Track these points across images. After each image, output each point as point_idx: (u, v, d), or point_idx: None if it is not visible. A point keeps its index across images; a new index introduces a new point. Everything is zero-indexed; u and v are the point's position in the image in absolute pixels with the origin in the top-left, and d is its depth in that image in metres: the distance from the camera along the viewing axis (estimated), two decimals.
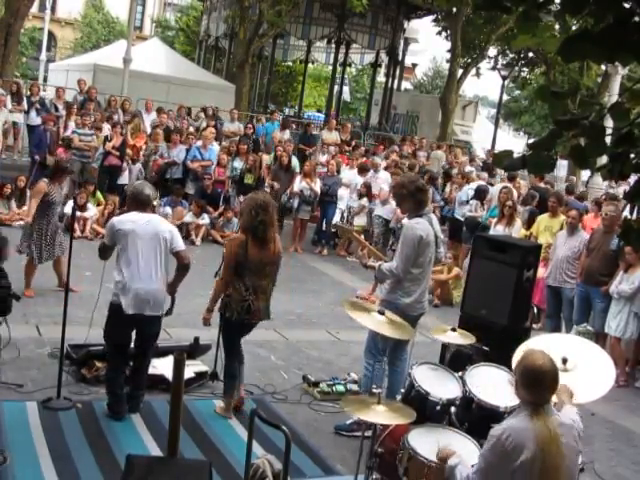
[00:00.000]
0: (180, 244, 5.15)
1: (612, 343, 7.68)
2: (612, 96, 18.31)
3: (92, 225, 10.70)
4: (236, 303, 5.13)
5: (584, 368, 3.83)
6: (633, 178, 2.59)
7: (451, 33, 23.46)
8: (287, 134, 15.68)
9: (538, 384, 2.99)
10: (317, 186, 12.07)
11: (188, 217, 11.37)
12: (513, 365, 3.18)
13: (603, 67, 21.39)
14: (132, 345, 5.24)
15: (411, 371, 4.49)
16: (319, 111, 35.45)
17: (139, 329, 5.12)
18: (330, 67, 27.94)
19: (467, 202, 11.54)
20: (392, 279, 5.30)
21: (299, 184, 12.04)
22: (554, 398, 3.19)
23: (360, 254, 5.69)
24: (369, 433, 4.12)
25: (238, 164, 12.55)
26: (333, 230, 11.58)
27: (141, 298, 4.93)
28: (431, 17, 25.27)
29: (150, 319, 5.03)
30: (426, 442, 3.85)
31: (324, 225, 12.25)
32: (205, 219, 11.52)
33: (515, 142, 31.91)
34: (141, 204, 5.09)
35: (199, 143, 12.45)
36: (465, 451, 3.82)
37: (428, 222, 5.34)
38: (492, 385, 4.29)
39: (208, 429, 5.16)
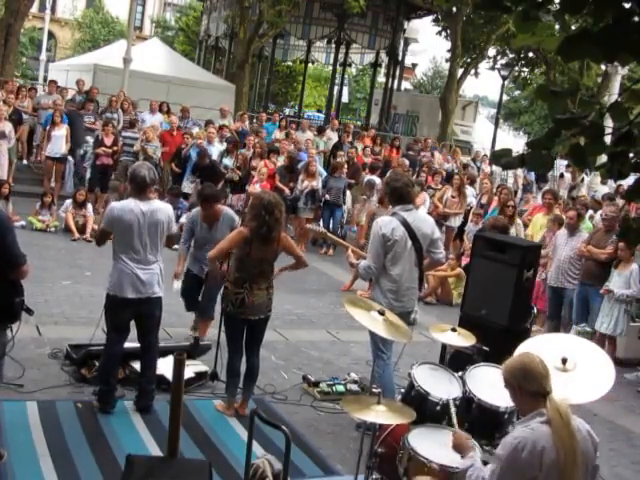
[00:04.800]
0: (172, 227, 5.27)
1: (597, 339, 7.65)
2: (612, 96, 18.32)
3: (93, 226, 10.71)
4: (232, 295, 5.23)
5: (584, 368, 3.82)
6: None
7: (451, 33, 23.46)
8: (309, 134, 15.69)
9: (534, 373, 3.03)
10: (319, 185, 12.21)
11: (184, 219, 11.37)
12: (505, 376, 3.16)
13: (603, 67, 21.40)
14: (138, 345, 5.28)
15: (411, 371, 4.49)
16: (319, 111, 35.45)
17: (138, 313, 5.13)
18: (330, 67, 27.94)
19: None
20: (370, 276, 5.43)
21: (302, 184, 12.13)
22: None
23: (347, 254, 5.71)
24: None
25: (229, 162, 12.62)
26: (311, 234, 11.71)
27: (138, 281, 5.00)
28: (431, 17, 25.24)
29: (147, 300, 5.08)
30: (426, 442, 3.85)
31: (331, 227, 12.35)
32: None
33: (515, 142, 31.88)
34: (138, 188, 5.07)
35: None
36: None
37: (400, 221, 5.26)
38: (492, 385, 4.28)
39: (208, 429, 5.16)
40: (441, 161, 16.37)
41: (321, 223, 12.62)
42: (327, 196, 12.24)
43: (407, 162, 14.39)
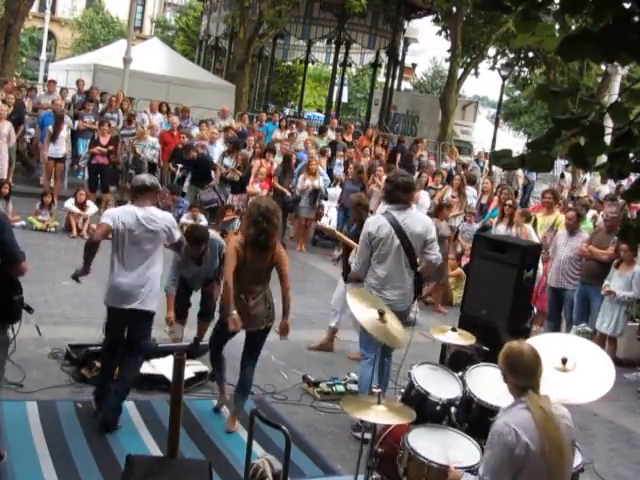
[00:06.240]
0: (176, 236, 5.09)
1: (597, 339, 7.65)
2: (612, 96, 18.32)
3: (90, 224, 10.71)
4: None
5: (584, 368, 3.83)
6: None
7: (451, 33, 23.45)
8: (305, 134, 15.72)
9: (520, 368, 3.08)
10: (320, 184, 12.26)
11: (185, 219, 11.39)
12: (499, 360, 3.21)
13: (603, 67, 21.39)
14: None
15: (411, 371, 4.49)
16: (319, 111, 35.45)
17: (128, 325, 5.05)
18: (330, 67, 27.93)
19: None
20: (359, 271, 5.49)
21: (302, 183, 12.15)
22: None
23: (352, 252, 5.91)
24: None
25: (230, 162, 12.63)
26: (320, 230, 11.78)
27: (123, 291, 4.90)
28: (431, 17, 25.22)
29: (135, 312, 4.96)
30: (426, 442, 3.85)
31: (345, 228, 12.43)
32: (203, 221, 11.55)
33: (515, 142, 31.88)
34: (139, 195, 5.03)
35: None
36: (465, 451, 3.83)
37: (389, 219, 5.28)
38: (492, 385, 4.28)
39: (208, 429, 5.16)
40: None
41: (323, 219, 12.67)
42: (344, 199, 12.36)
43: (433, 163, 14.51)
